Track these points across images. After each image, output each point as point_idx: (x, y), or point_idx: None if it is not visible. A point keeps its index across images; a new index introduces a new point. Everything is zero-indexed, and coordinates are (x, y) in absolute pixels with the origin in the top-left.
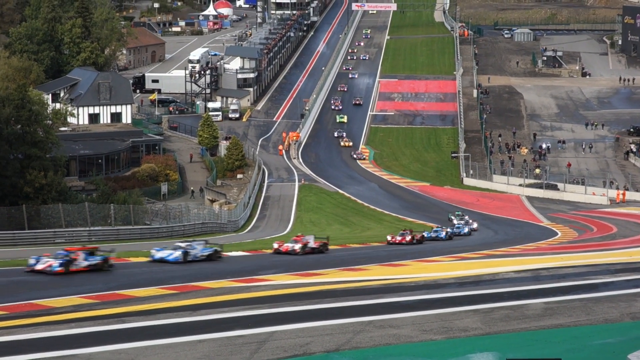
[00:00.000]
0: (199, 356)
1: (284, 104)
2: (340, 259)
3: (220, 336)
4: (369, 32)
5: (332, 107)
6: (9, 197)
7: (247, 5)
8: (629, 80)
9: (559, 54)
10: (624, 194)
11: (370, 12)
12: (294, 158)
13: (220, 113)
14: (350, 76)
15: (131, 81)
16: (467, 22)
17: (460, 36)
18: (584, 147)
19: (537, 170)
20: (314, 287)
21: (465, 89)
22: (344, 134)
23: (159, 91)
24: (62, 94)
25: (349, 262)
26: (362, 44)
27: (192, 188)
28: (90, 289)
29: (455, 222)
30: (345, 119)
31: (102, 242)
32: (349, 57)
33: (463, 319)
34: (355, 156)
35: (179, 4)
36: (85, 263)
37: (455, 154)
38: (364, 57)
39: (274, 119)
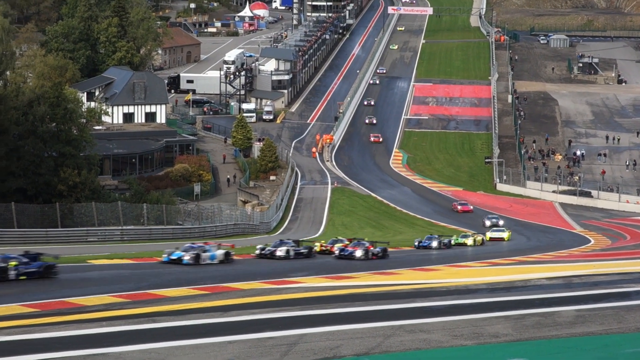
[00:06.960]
0: (228, 357)
1: (318, 107)
2: (372, 263)
3: (250, 337)
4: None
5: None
6: (42, 194)
7: (283, 7)
8: None
9: (595, 60)
10: None
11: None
12: (327, 161)
13: (254, 114)
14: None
15: (166, 81)
16: (503, 27)
17: (496, 41)
18: (627, 163)
19: (576, 178)
20: (344, 290)
21: (500, 95)
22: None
23: (194, 92)
24: (97, 93)
25: (380, 265)
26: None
27: (228, 177)
28: (121, 288)
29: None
30: None
31: (134, 242)
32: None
33: (494, 324)
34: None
35: (215, 4)
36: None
37: (489, 159)
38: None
39: (308, 121)
